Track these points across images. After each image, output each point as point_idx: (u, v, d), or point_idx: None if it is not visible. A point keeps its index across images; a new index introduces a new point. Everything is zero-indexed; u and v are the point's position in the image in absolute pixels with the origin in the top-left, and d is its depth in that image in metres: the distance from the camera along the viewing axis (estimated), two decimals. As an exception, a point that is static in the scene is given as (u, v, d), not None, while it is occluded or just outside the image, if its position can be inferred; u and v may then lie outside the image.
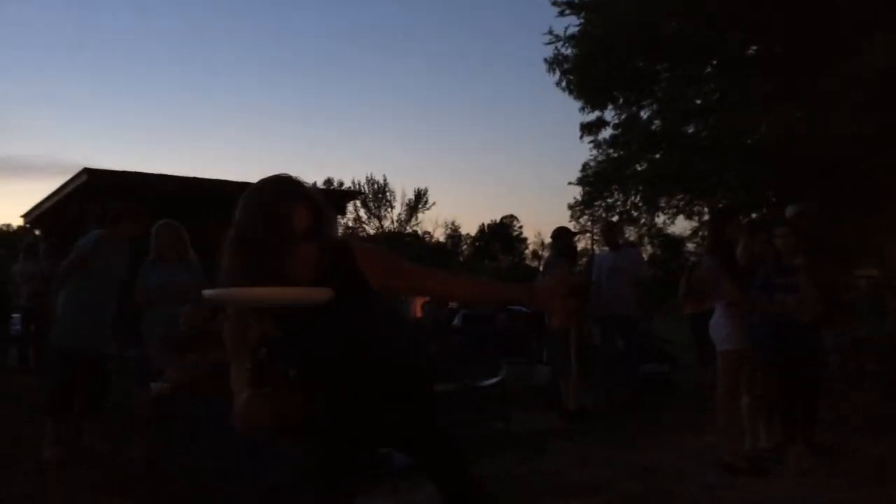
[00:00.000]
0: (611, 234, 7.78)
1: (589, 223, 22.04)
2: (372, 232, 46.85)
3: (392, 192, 48.59)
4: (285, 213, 1.91)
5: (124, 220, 5.14)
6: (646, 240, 25.00)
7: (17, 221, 31.75)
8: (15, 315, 9.87)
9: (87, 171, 9.08)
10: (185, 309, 4.69)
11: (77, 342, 4.96)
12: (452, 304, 9.86)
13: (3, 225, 47.98)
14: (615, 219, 16.97)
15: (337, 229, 2.12)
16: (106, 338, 5.17)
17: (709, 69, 15.11)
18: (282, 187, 1.99)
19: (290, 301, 1.88)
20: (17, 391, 7.63)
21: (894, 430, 5.66)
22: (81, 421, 5.20)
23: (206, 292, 1.88)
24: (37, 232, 12.62)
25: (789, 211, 6.06)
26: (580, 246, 23.10)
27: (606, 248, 7.72)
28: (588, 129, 17.20)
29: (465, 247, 55.58)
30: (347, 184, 46.07)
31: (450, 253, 50.87)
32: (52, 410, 4.98)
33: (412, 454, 2.30)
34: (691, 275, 7.38)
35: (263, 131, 75.13)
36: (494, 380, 6.05)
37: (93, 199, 9.13)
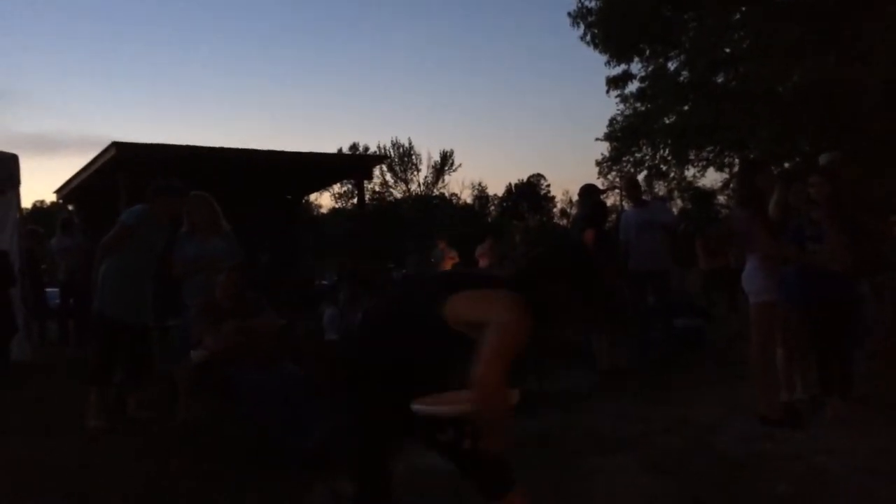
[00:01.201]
0: (634, 189, 7.67)
1: (617, 179, 21.87)
2: (399, 196, 46.86)
3: (418, 156, 48.53)
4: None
5: (165, 197, 5.20)
6: (675, 194, 24.71)
7: (51, 198, 32.25)
8: (52, 289, 10.07)
9: (116, 145, 9.15)
10: (220, 278, 4.75)
11: (118, 312, 5.06)
12: (483, 264, 9.86)
13: (37, 201, 48.78)
14: (644, 174, 16.79)
15: None
16: (146, 309, 5.27)
17: (737, 16, 14.73)
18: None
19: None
20: (59, 364, 7.80)
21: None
22: (124, 390, 5.32)
23: (416, 408, 2.04)
24: (70, 207, 12.81)
25: (823, 159, 5.94)
26: (609, 202, 22.91)
27: (632, 205, 7.61)
28: (614, 82, 16.96)
29: (492, 207, 55.41)
30: (373, 148, 46.09)
31: (477, 214, 50.76)
32: (95, 380, 5.09)
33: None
34: (705, 234, 7.25)
35: (290, 98, 75.19)
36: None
37: (122, 173, 9.22)
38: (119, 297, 5.06)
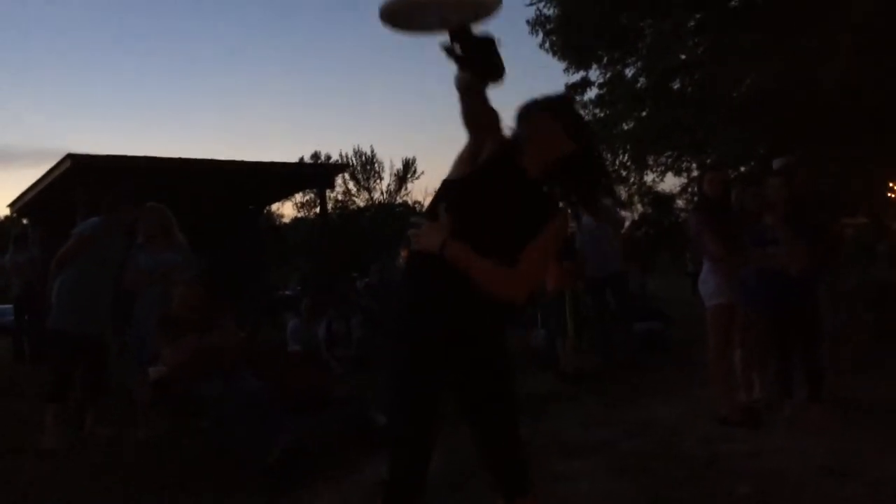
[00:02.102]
0: None
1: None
2: (362, 204, 46.71)
3: (380, 164, 48.23)
4: None
5: (120, 207, 5.13)
6: (636, 198, 25.06)
7: (4, 212, 31.53)
8: (6, 306, 9.84)
9: (71, 157, 9.01)
10: (178, 290, 4.69)
11: (75, 326, 4.97)
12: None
13: (-10, 215, 47.63)
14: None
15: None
16: (103, 322, 5.18)
17: (692, 23, 14.97)
18: None
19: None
20: (15, 381, 7.63)
21: (887, 375, 5.74)
22: (83, 406, 5.22)
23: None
24: (24, 221, 12.56)
25: (777, 163, 6.06)
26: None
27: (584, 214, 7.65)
28: (573, 89, 17.08)
29: (455, 214, 55.48)
30: (335, 157, 45.79)
31: (441, 221, 50.70)
32: (53, 396, 4.99)
33: (476, 389, 2.24)
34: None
35: (247, 107, 74.46)
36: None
37: (78, 185, 9.08)
38: (76, 309, 4.98)
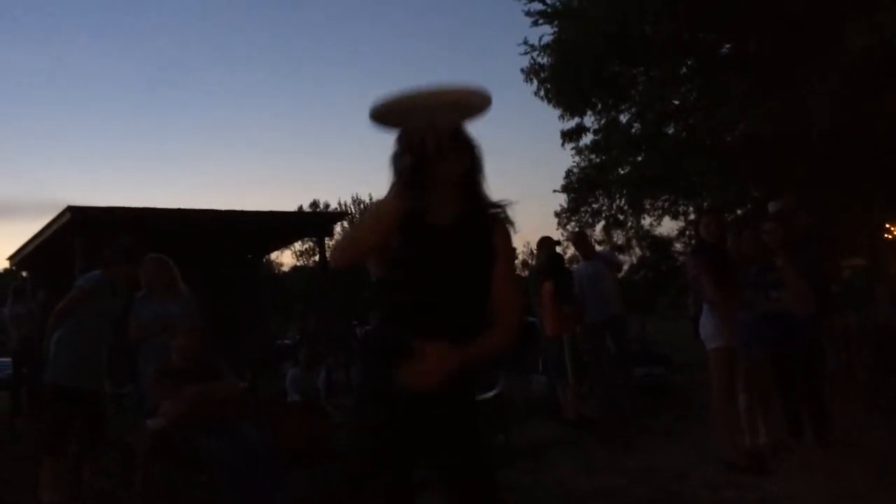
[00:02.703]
0: (582, 244, 7.72)
1: (577, 229, 22.23)
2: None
3: (378, 211, 48.69)
4: None
5: (120, 262, 5.14)
6: (634, 242, 25.17)
7: (3, 265, 31.56)
8: (5, 359, 9.79)
9: (71, 209, 9.06)
10: (177, 341, 4.67)
11: (72, 380, 4.93)
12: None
13: (-11, 268, 47.61)
14: (601, 223, 17.03)
15: None
16: (101, 376, 5.15)
17: (684, 70, 15.21)
18: None
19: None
20: (12, 435, 7.56)
21: (891, 415, 5.70)
22: (80, 460, 5.16)
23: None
24: (24, 274, 12.57)
25: (772, 206, 6.12)
26: (570, 253, 23.18)
27: (582, 259, 7.67)
28: (569, 136, 17.26)
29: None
30: (333, 205, 46.14)
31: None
32: (49, 451, 4.94)
33: (447, 459, 2.14)
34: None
35: (247, 158, 75.15)
36: (493, 392, 6.04)
37: (78, 237, 9.11)
38: (74, 364, 4.94)
